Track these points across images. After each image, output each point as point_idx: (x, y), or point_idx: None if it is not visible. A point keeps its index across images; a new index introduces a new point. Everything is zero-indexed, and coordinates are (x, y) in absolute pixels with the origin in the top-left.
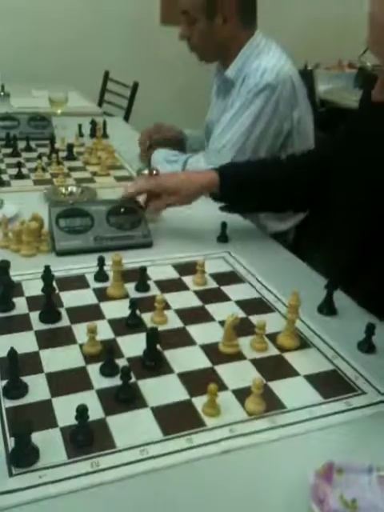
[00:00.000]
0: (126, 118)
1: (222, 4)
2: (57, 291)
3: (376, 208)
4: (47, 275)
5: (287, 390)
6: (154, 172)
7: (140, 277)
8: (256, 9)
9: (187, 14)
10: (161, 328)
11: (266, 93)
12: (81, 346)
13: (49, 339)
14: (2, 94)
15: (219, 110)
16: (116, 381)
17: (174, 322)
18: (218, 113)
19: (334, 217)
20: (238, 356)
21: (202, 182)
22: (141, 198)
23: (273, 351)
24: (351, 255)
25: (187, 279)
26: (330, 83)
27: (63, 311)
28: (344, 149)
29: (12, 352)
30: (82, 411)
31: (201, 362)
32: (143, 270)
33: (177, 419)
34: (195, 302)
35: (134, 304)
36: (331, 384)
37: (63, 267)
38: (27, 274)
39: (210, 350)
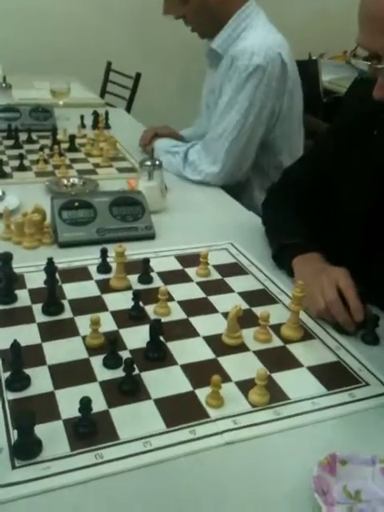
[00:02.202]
0: (128, 108)
1: None
2: (59, 283)
3: (377, 205)
4: (50, 267)
5: (291, 381)
6: (157, 163)
7: (143, 268)
8: None
9: None
10: (164, 319)
11: (257, 74)
12: (84, 337)
13: (51, 331)
14: (4, 85)
15: (210, 81)
16: (119, 373)
17: (177, 313)
18: (209, 83)
19: (336, 212)
20: (242, 347)
21: None
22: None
23: (276, 342)
24: (354, 249)
25: (190, 271)
26: (335, 73)
27: (66, 303)
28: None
29: (15, 344)
30: (85, 403)
31: (204, 353)
32: (146, 261)
33: (180, 411)
34: (198, 293)
35: (138, 296)
36: (335, 375)
37: (66, 259)
38: (29, 266)
39: (214, 342)
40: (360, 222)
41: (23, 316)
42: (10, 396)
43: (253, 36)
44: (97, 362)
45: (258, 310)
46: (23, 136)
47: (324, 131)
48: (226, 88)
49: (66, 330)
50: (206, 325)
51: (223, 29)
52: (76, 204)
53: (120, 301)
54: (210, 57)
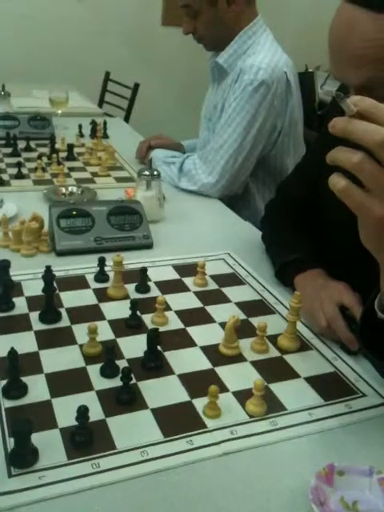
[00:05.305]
0: (127, 118)
1: None
2: (57, 291)
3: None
4: (48, 275)
5: (288, 391)
6: (155, 173)
7: (141, 278)
8: None
9: (189, 8)
10: (161, 329)
11: (262, 91)
12: (81, 346)
13: (49, 339)
14: (3, 93)
15: (213, 95)
16: (116, 382)
17: (174, 323)
18: (211, 98)
19: (327, 219)
20: (239, 358)
21: None
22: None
23: (273, 353)
24: (349, 256)
25: (188, 280)
26: (331, 85)
27: (63, 311)
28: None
29: (12, 352)
30: (83, 412)
31: (201, 363)
32: (144, 270)
33: (177, 421)
34: (196, 303)
35: (135, 305)
36: (332, 386)
37: (63, 267)
38: (27, 274)
39: (211, 352)
40: (350, 229)
41: (20, 324)
42: (6, 404)
43: (261, 53)
44: (94, 370)
45: (255, 321)
46: (22, 144)
47: (314, 142)
48: (230, 101)
49: (64, 338)
50: (203, 335)
51: (230, 44)
52: (74, 213)
53: (117, 310)
54: (214, 72)
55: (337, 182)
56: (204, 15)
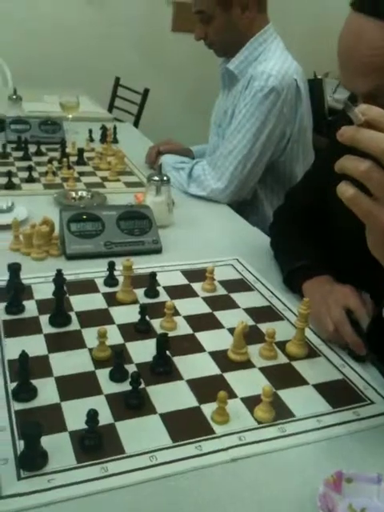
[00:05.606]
0: (136, 124)
1: None
2: (66, 295)
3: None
4: (59, 279)
5: (296, 398)
6: (165, 178)
7: (150, 282)
8: None
9: (203, 14)
10: (170, 334)
11: (272, 98)
12: (90, 350)
13: (58, 343)
14: (15, 97)
15: (223, 101)
16: (125, 386)
17: (183, 328)
18: (221, 103)
19: (334, 226)
20: (247, 363)
21: None
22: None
23: (282, 359)
24: (357, 262)
25: (196, 286)
26: (339, 92)
27: (73, 315)
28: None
29: (23, 355)
30: (92, 416)
31: (210, 368)
32: (153, 275)
33: (186, 426)
34: (204, 308)
35: (144, 309)
36: (340, 393)
37: (73, 271)
38: (37, 277)
39: (219, 357)
40: (358, 236)
41: (30, 327)
42: (16, 406)
43: (272, 60)
44: (103, 374)
45: (264, 327)
46: (32, 148)
47: (323, 149)
48: (240, 107)
49: (73, 341)
50: (211, 340)
51: (241, 51)
52: (84, 217)
53: (126, 314)
54: (224, 78)
55: (345, 190)
56: (217, 21)
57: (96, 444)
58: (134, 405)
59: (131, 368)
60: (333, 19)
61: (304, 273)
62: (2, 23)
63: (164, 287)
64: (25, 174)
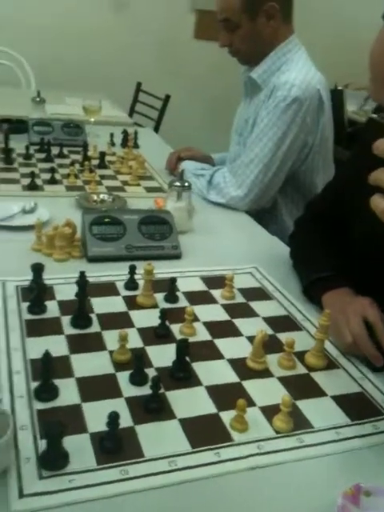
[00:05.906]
0: (156, 129)
1: (263, 1)
2: (87, 297)
3: None
4: (82, 281)
5: (314, 409)
6: (186, 184)
7: (169, 288)
8: (293, 1)
9: (228, 21)
10: (189, 340)
11: (294, 107)
12: (110, 352)
13: (79, 344)
14: (38, 99)
15: (245, 109)
16: (145, 390)
17: (202, 334)
18: (243, 112)
19: (354, 246)
20: (266, 372)
21: None
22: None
23: (300, 370)
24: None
25: (215, 292)
26: (359, 104)
27: (93, 317)
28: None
29: (47, 354)
30: (114, 418)
31: (228, 376)
32: (173, 281)
33: (205, 432)
34: (223, 315)
35: (164, 314)
36: (358, 406)
37: (94, 274)
38: (59, 278)
39: (238, 365)
40: (379, 248)
41: (52, 327)
42: (38, 406)
43: (295, 70)
44: (123, 377)
45: (282, 336)
46: (55, 150)
47: (345, 161)
48: (263, 116)
49: (94, 343)
50: (230, 347)
51: (264, 60)
52: (106, 220)
53: (146, 318)
54: (246, 86)
55: (379, 202)
56: (242, 29)
57: (116, 447)
58: (153, 409)
59: (151, 372)
60: (354, 31)
61: (324, 284)
62: (28, 27)
63: (183, 293)
64: (47, 176)
